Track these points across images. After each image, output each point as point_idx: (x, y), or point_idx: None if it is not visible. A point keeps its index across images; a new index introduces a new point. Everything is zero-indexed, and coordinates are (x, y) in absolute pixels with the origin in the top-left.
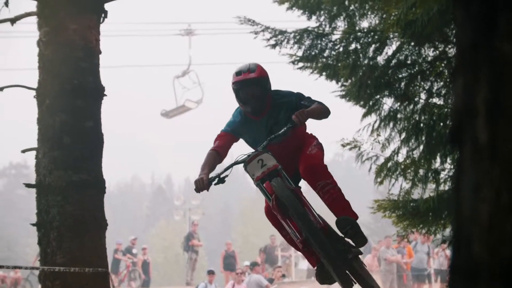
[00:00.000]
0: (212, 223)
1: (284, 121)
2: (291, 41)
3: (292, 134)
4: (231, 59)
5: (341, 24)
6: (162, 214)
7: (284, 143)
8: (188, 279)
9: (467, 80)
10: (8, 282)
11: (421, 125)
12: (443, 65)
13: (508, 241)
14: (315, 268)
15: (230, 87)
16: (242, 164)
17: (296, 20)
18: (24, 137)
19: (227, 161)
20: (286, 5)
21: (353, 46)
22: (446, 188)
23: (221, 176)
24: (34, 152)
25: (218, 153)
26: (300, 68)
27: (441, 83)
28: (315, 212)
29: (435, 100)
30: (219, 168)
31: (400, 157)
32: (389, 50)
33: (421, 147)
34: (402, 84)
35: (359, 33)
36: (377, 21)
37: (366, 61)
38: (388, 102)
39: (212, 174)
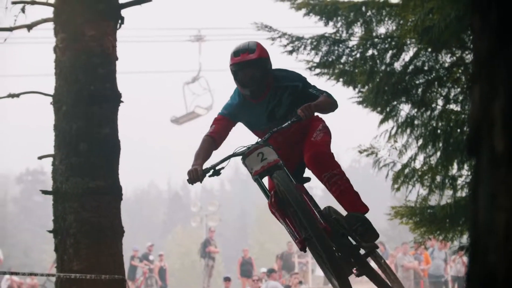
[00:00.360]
0: (229, 230)
1: (287, 105)
2: (308, 47)
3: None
4: None
5: (358, 30)
6: (179, 221)
7: (290, 128)
8: (205, 286)
9: (484, 89)
10: None
11: (438, 131)
12: (460, 71)
13: None
14: None
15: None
16: (240, 157)
17: (313, 26)
18: (40, 143)
19: (225, 152)
20: (303, 11)
21: (370, 52)
22: (463, 194)
23: (217, 168)
24: (50, 159)
25: (213, 139)
26: (317, 74)
27: (458, 89)
28: (317, 212)
29: (452, 106)
30: (215, 159)
31: (417, 164)
32: (406, 56)
33: (438, 153)
34: (419, 90)
35: (376, 39)
36: (394, 27)
37: (383, 67)
38: (405, 109)
39: (207, 165)
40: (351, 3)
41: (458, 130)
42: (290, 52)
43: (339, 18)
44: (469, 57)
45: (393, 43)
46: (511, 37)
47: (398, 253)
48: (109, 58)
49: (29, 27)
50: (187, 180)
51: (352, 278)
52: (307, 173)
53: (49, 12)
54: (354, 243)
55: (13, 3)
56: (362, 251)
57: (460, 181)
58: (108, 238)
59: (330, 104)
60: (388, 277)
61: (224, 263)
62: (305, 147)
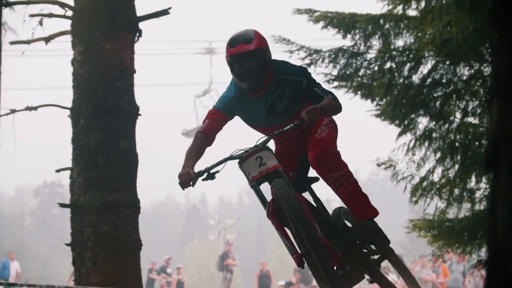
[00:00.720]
0: (247, 243)
1: (288, 100)
2: (326, 60)
3: (300, 111)
4: None
5: (376, 43)
6: (197, 233)
7: (292, 122)
8: None
9: (503, 105)
10: None
11: (457, 144)
12: (478, 84)
13: None
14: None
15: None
16: (237, 161)
17: (331, 39)
18: (58, 156)
19: (221, 154)
20: (321, 23)
21: (388, 65)
22: (482, 207)
23: (211, 171)
24: (68, 171)
25: (206, 136)
26: (335, 87)
27: (477, 102)
28: (323, 217)
29: (471, 119)
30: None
31: (435, 177)
32: (424, 69)
33: (457, 166)
34: (437, 103)
35: (394, 52)
36: (412, 40)
37: (401, 80)
38: (423, 121)
39: (201, 166)
40: (369, 16)
41: (476, 143)
42: (309, 65)
43: (357, 31)
44: (487, 70)
45: (411, 56)
46: None
47: (416, 266)
48: (127, 71)
49: (47, 39)
50: (178, 183)
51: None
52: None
53: (66, 25)
54: (364, 250)
55: (31, 16)
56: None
57: (478, 194)
58: (126, 251)
59: (335, 108)
60: (407, 280)
61: (242, 276)
62: (309, 144)
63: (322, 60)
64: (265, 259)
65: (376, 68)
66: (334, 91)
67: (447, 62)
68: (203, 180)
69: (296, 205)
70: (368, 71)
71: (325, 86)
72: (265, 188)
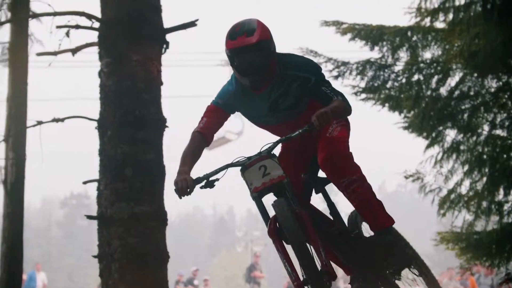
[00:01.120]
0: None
1: (294, 97)
2: (354, 72)
3: (308, 107)
4: None
5: (403, 55)
6: (224, 245)
7: (298, 120)
8: None
9: None
10: None
11: (484, 156)
12: (506, 96)
13: None
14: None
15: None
16: (240, 168)
17: (359, 51)
18: (85, 167)
19: (221, 159)
20: (349, 35)
21: (416, 77)
22: (510, 220)
23: (211, 178)
24: (95, 183)
25: (203, 136)
26: (363, 99)
27: (505, 115)
28: (326, 240)
29: (499, 131)
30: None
31: (463, 189)
32: (452, 81)
33: (484, 179)
34: (465, 115)
35: (422, 64)
36: (440, 52)
37: (429, 92)
38: (451, 134)
39: (197, 171)
40: (397, 28)
41: (505, 156)
42: (336, 77)
43: (384, 43)
44: None
45: (439, 68)
46: None
47: (444, 279)
48: (154, 83)
49: (74, 51)
50: (174, 190)
51: None
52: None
53: (93, 36)
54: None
55: (58, 27)
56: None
57: (506, 207)
58: (153, 263)
59: (346, 111)
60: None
61: None
62: (319, 144)
63: (349, 72)
64: None
65: (403, 80)
66: (361, 103)
67: (475, 74)
68: (202, 188)
69: (295, 229)
70: (396, 83)
71: (353, 98)
72: (269, 198)
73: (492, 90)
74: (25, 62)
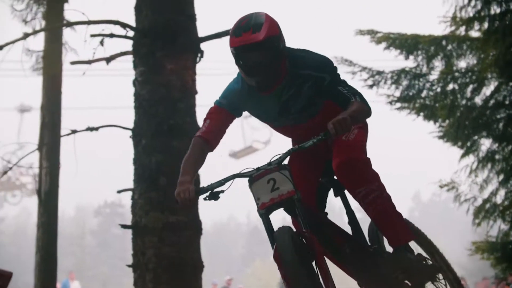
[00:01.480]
0: None
1: (306, 98)
2: (389, 82)
3: (323, 107)
4: None
5: (438, 64)
6: (258, 254)
7: (312, 122)
8: None
9: None
10: None
11: None
12: None
13: None
14: None
15: None
16: (247, 179)
17: (393, 60)
18: (119, 175)
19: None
20: (383, 44)
21: (450, 86)
22: None
23: (215, 190)
24: (129, 192)
25: (205, 141)
26: (397, 108)
27: None
28: (340, 259)
29: None
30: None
31: (499, 199)
32: (487, 90)
33: None
34: (500, 124)
35: (456, 74)
36: (475, 61)
37: (464, 102)
38: (486, 143)
39: (205, 183)
40: (432, 37)
41: None
42: (371, 86)
43: (419, 52)
44: None
45: (474, 77)
46: None
47: None
48: (188, 92)
49: (108, 60)
50: (176, 201)
51: None
52: None
53: (128, 45)
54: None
55: (92, 36)
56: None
57: None
58: (187, 272)
59: (366, 113)
60: None
61: None
62: (334, 148)
63: (384, 82)
64: None
65: (438, 89)
66: (396, 112)
67: (510, 84)
68: (205, 199)
69: (296, 266)
70: (431, 93)
71: (387, 107)
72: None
73: None
74: (59, 70)
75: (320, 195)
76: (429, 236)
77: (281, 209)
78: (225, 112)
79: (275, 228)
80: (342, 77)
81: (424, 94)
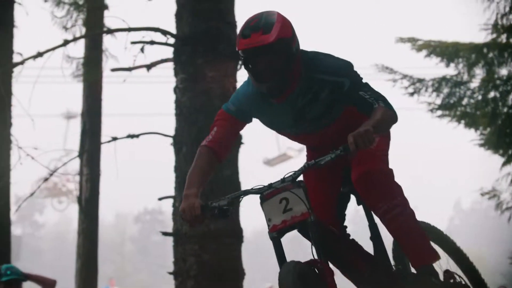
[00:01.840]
0: None
1: (324, 105)
2: (429, 89)
3: (342, 113)
4: None
5: (479, 71)
6: None
7: (330, 129)
8: None
9: None
10: None
11: None
12: None
13: None
14: None
15: None
16: (259, 196)
17: (434, 67)
18: (159, 182)
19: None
20: (424, 52)
21: (492, 94)
22: None
23: (225, 206)
24: (169, 199)
25: (213, 152)
26: (438, 116)
27: None
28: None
29: None
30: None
31: None
32: None
33: None
34: None
35: (498, 81)
36: None
37: (505, 110)
38: None
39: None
40: (472, 45)
41: None
42: (412, 94)
43: (460, 59)
44: None
45: None
46: None
47: None
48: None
49: (148, 67)
50: (181, 216)
51: None
52: None
53: (168, 52)
54: None
55: (132, 43)
56: None
57: None
58: (228, 280)
59: (391, 121)
60: None
61: None
62: (353, 161)
63: (425, 89)
64: None
65: (479, 97)
66: (437, 120)
67: None
68: (213, 217)
69: None
70: (472, 100)
71: (428, 115)
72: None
73: None
74: (99, 77)
75: (339, 207)
76: (469, 245)
77: None
78: (233, 119)
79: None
80: (364, 80)
81: (465, 101)
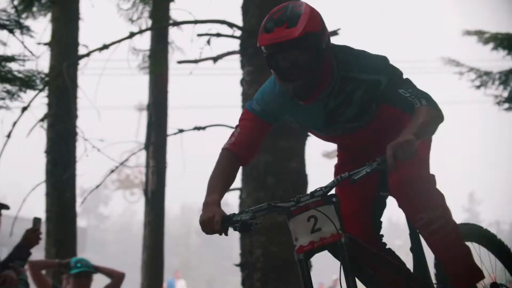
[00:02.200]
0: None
1: (359, 106)
2: (496, 82)
3: (379, 112)
4: None
5: None
6: None
7: (365, 131)
8: None
9: None
10: None
11: None
12: None
13: None
14: None
15: None
16: (286, 213)
17: (501, 60)
18: None
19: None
20: (491, 45)
21: None
22: None
23: (248, 221)
24: (235, 191)
25: (235, 156)
26: (505, 109)
27: None
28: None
29: None
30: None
31: None
32: None
33: None
34: None
35: None
36: None
37: None
38: None
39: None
40: None
41: None
42: (478, 87)
43: None
44: None
45: None
46: None
47: None
48: None
49: (215, 59)
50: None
51: None
52: None
53: (235, 44)
54: None
55: (199, 35)
56: None
57: None
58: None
59: (436, 122)
60: None
61: None
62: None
63: (492, 82)
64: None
65: None
66: (504, 113)
67: None
68: (238, 230)
69: None
70: None
71: (495, 108)
72: None
73: None
74: (165, 69)
75: (375, 213)
76: None
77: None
78: (258, 120)
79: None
80: (405, 76)
81: None
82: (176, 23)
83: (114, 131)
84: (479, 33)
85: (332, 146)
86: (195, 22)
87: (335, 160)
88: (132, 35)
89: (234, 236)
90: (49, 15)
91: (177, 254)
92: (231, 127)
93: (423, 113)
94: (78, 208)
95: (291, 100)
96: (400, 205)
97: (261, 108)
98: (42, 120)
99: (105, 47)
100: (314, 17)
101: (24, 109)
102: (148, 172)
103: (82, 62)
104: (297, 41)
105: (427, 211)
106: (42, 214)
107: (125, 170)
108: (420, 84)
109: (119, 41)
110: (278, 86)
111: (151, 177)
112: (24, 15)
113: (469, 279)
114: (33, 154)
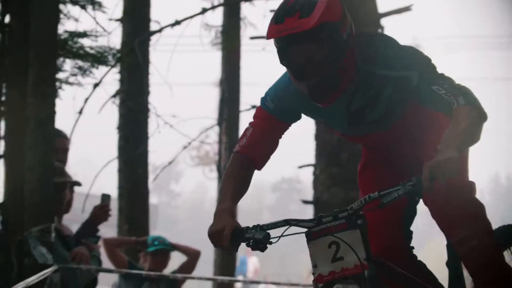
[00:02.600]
0: None
1: (386, 106)
2: None
3: (405, 113)
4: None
5: None
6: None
7: (393, 130)
8: None
9: None
10: None
11: None
12: None
13: None
14: None
15: None
16: (305, 233)
17: None
18: (295, 151)
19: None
20: None
21: None
22: None
23: (263, 240)
24: (308, 168)
25: (247, 159)
26: None
27: None
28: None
29: None
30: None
31: None
32: None
33: None
34: None
35: None
36: None
37: None
38: None
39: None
40: None
41: None
42: None
43: None
44: None
45: None
46: None
47: None
48: None
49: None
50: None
51: None
52: None
53: None
54: None
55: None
56: None
57: None
58: None
59: (479, 123)
60: None
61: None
62: (425, 165)
63: None
64: None
65: None
66: None
67: None
68: (249, 246)
69: None
70: None
71: None
72: None
73: None
74: (237, 45)
75: (405, 222)
76: None
77: None
78: (271, 119)
79: None
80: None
81: None
82: None
83: (187, 108)
84: None
85: None
86: None
87: None
88: (204, 11)
89: (306, 213)
90: None
91: None
92: None
93: (463, 117)
94: (150, 185)
95: (305, 99)
96: (434, 216)
97: (275, 105)
98: (114, 96)
99: (177, 23)
100: (333, 5)
101: (96, 85)
102: (221, 148)
103: (154, 38)
104: (311, 33)
105: (465, 225)
106: (113, 191)
107: (205, 146)
108: (495, 59)
109: (191, 17)
110: (293, 83)
111: (224, 153)
112: None
113: None
114: (104, 131)
